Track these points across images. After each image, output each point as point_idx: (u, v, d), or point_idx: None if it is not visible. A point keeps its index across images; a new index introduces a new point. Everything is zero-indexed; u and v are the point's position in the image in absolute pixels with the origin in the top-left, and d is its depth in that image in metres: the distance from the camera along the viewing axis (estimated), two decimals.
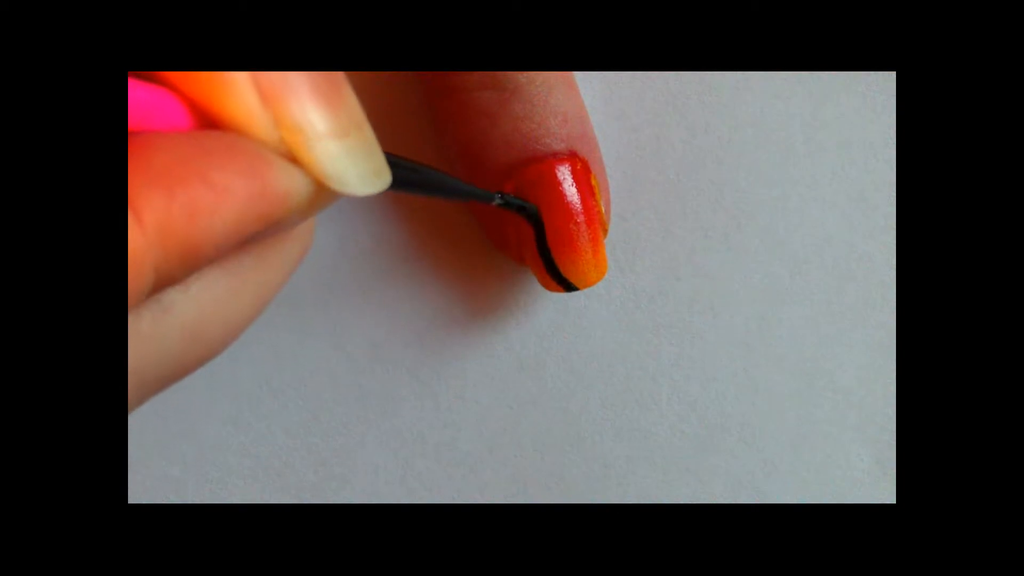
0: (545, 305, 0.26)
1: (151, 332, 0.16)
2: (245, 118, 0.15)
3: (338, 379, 0.26)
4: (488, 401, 0.26)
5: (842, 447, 0.26)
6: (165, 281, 0.15)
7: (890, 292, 0.25)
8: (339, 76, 0.16)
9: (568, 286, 0.23)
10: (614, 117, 0.25)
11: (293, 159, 0.15)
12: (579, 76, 0.24)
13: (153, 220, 0.14)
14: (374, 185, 0.16)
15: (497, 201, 0.22)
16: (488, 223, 0.24)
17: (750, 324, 0.25)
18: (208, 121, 0.15)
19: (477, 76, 0.22)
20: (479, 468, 0.26)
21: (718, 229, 0.25)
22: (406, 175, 0.19)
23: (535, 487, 0.26)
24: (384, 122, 0.25)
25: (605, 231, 0.23)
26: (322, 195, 0.16)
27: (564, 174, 0.23)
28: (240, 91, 0.15)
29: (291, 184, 0.15)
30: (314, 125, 0.15)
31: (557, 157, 0.23)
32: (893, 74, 0.25)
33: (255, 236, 0.16)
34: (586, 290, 0.25)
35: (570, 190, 0.23)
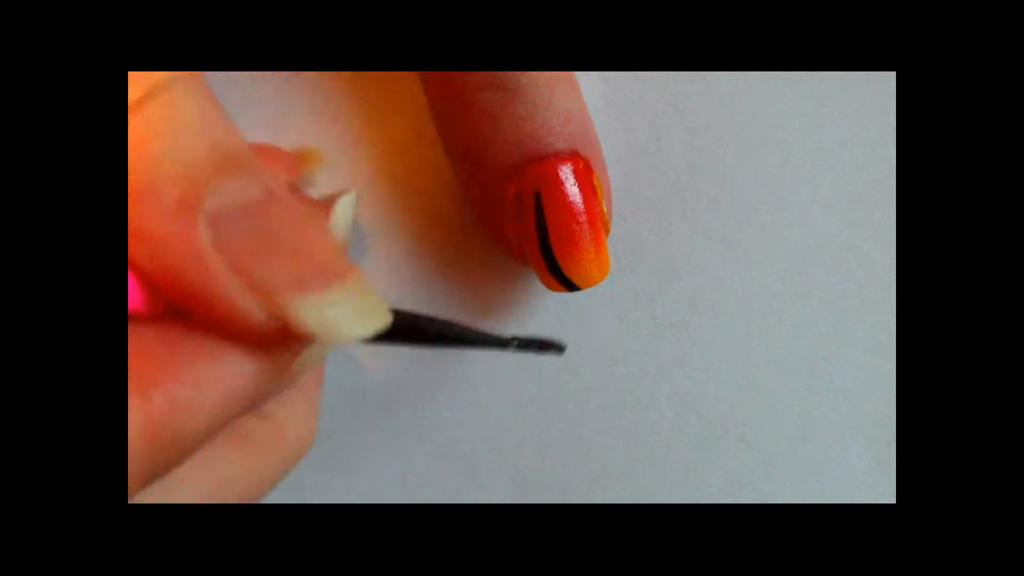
0: (545, 305, 0.26)
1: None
2: (217, 287, 0.14)
3: (338, 379, 0.26)
4: (488, 401, 0.26)
5: (842, 447, 0.26)
6: (150, 473, 0.14)
7: (890, 292, 0.25)
8: (313, 223, 0.15)
9: (570, 286, 0.23)
10: (614, 117, 0.25)
11: (277, 321, 0.15)
12: (579, 76, 0.24)
13: (135, 416, 0.14)
14: (370, 326, 0.16)
15: (514, 348, 0.21)
16: (489, 222, 0.24)
17: (750, 324, 0.25)
18: (164, 296, 0.15)
19: (479, 76, 0.22)
20: (479, 468, 0.26)
21: (718, 229, 0.25)
22: (407, 324, 0.18)
23: (535, 487, 0.26)
24: (385, 123, 0.25)
25: (607, 230, 0.23)
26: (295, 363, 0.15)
27: (566, 174, 0.23)
28: (208, 262, 0.14)
29: (250, 367, 0.15)
30: (288, 283, 0.15)
31: (559, 157, 0.23)
32: (893, 74, 0.25)
33: (242, 412, 0.15)
34: (587, 290, 0.25)
35: (572, 190, 0.23)
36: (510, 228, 0.23)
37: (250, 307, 0.15)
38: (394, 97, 0.25)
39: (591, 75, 0.25)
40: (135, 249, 0.14)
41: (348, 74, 0.25)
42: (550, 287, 0.23)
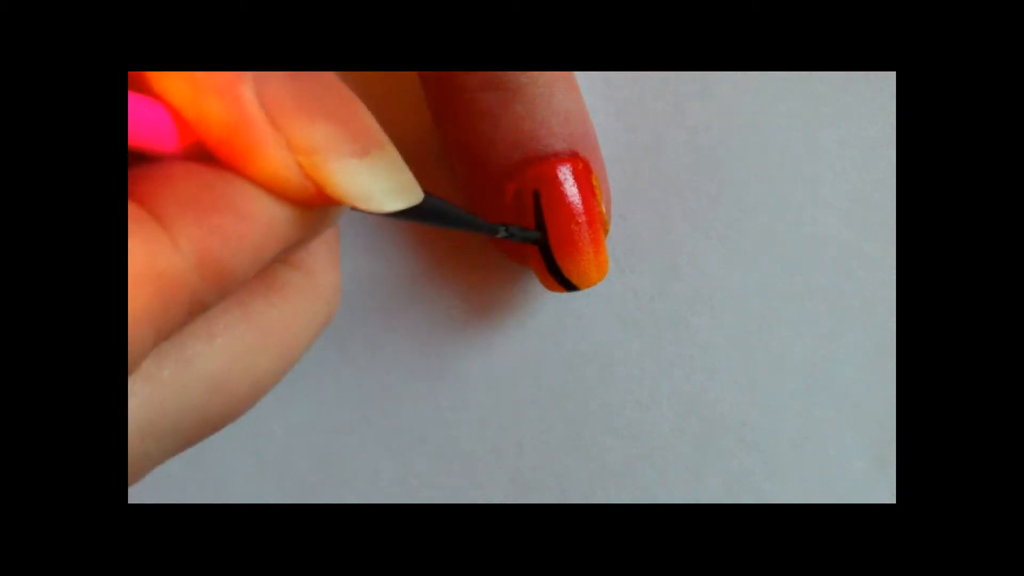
0: (545, 305, 0.26)
1: (172, 381, 0.16)
2: (258, 143, 0.15)
3: (338, 379, 0.26)
4: (488, 401, 0.26)
5: (842, 447, 0.26)
6: (199, 307, 0.14)
7: (890, 292, 0.25)
8: (353, 97, 0.16)
9: (569, 286, 0.23)
10: (614, 117, 0.25)
11: (312, 182, 0.15)
12: (579, 76, 0.24)
13: (188, 244, 0.14)
14: (402, 201, 0.16)
15: (501, 234, 0.22)
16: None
17: (750, 324, 0.25)
18: (199, 141, 0.15)
19: (479, 76, 0.22)
20: (479, 468, 0.26)
21: (718, 229, 0.25)
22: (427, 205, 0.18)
23: (535, 487, 0.26)
24: (385, 123, 0.25)
25: (606, 231, 0.23)
26: (319, 215, 0.16)
27: (566, 174, 0.23)
28: (251, 117, 0.15)
29: (279, 212, 0.15)
30: (329, 145, 0.15)
31: (559, 157, 0.23)
32: (893, 74, 0.25)
33: (277, 256, 0.15)
34: (586, 290, 0.25)
35: (571, 190, 0.23)
36: None
37: (287, 165, 0.15)
38: (394, 97, 0.25)
39: (591, 75, 0.25)
40: (182, 91, 0.14)
41: (348, 74, 0.25)
42: (549, 287, 0.23)
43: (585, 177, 0.23)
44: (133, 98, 0.14)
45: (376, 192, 0.15)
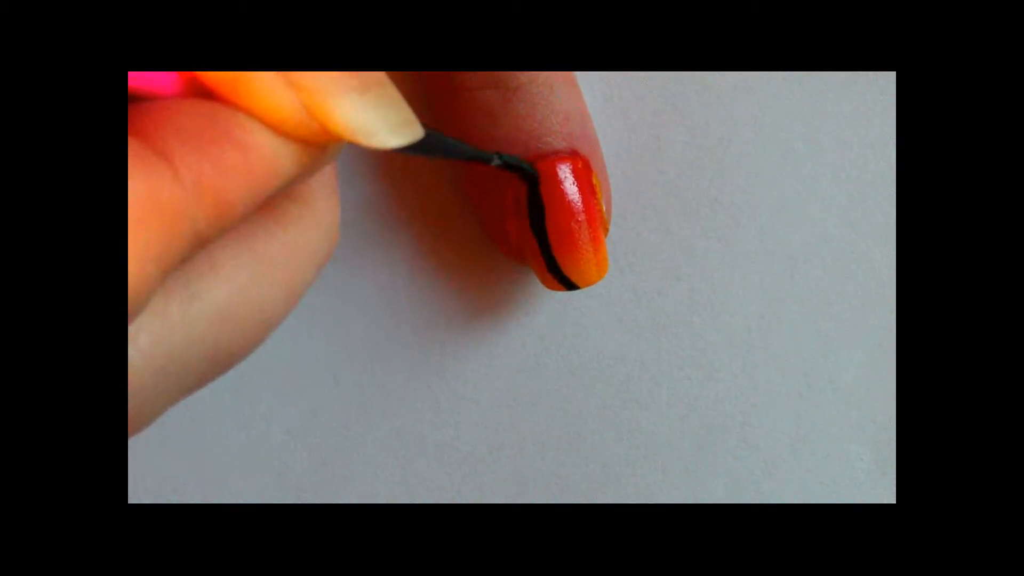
0: (545, 305, 0.26)
1: (179, 316, 0.16)
2: (260, 84, 0.15)
3: (338, 379, 0.26)
4: (488, 401, 0.26)
5: (842, 447, 0.26)
6: (200, 240, 0.15)
7: (890, 292, 0.25)
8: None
9: (569, 285, 0.23)
10: (614, 117, 0.25)
11: (315, 121, 0.15)
12: (580, 76, 0.24)
13: (190, 176, 0.14)
14: (405, 136, 0.16)
15: (496, 162, 0.21)
16: (488, 221, 0.24)
17: (750, 324, 0.25)
18: (200, 86, 0.15)
19: (479, 75, 0.22)
20: (479, 468, 0.26)
21: (718, 229, 0.25)
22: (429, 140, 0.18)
23: (535, 487, 0.26)
24: None
25: (606, 230, 0.23)
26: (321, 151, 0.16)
27: (565, 173, 0.23)
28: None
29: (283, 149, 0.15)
30: (330, 81, 0.15)
31: (558, 156, 0.23)
32: (893, 74, 0.25)
33: (278, 189, 0.16)
34: (586, 289, 0.25)
35: (571, 189, 0.23)
36: (509, 227, 0.23)
37: (289, 101, 0.15)
38: None
39: (591, 75, 0.25)
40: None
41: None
42: (549, 286, 0.23)
43: (585, 176, 0.23)
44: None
45: (379, 127, 0.16)
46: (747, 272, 0.25)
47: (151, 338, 0.15)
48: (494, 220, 0.24)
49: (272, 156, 0.15)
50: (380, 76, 0.16)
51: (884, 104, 0.25)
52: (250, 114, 0.15)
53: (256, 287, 0.17)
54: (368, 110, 0.15)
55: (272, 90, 0.15)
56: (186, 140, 0.14)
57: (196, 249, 0.15)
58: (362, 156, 0.25)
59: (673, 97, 0.25)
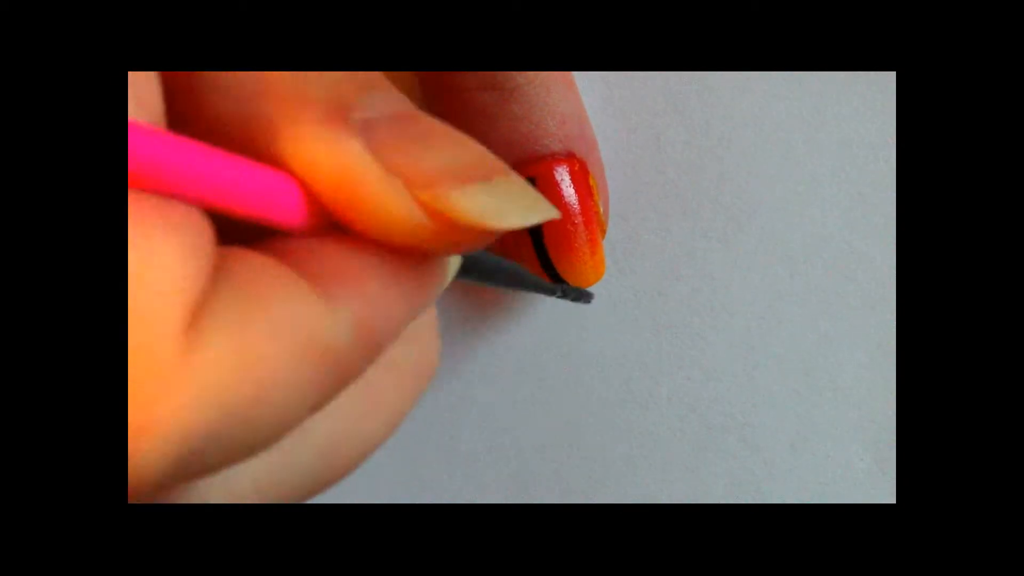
0: (545, 305, 0.26)
1: (288, 449, 0.16)
2: (374, 193, 0.14)
3: None
4: (488, 401, 0.26)
5: (842, 447, 0.26)
6: (353, 376, 0.14)
7: (890, 292, 0.25)
8: (459, 132, 0.15)
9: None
10: (614, 117, 0.25)
11: (438, 217, 0.14)
12: (579, 76, 0.24)
13: (348, 315, 0.14)
14: (535, 216, 0.15)
15: (558, 295, 0.22)
16: None
17: (750, 324, 0.25)
18: (325, 210, 0.15)
19: (475, 76, 0.22)
20: (479, 468, 0.26)
21: (718, 229, 0.25)
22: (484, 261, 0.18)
23: (535, 487, 0.26)
24: None
25: (603, 232, 0.23)
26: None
27: (562, 175, 0.23)
28: (361, 161, 0.14)
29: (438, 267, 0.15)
30: (450, 172, 0.14)
31: (555, 158, 0.23)
32: (893, 74, 0.25)
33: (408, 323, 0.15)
34: None
35: (568, 191, 0.23)
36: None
37: (407, 206, 0.14)
38: None
39: (591, 75, 0.25)
40: (295, 167, 0.14)
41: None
42: None
43: (582, 178, 0.23)
44: (264, 172, 0.14)
45: (506, 208, 0.15)
46: (747, 272, 0.25)
47: (256, 463, 0.15)
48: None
49: (413, 287, 0.15)
50: (502, 165, 0.15)
51: (884, 104, 0.25)
52: (376, 231, 0.14)
53: (361, 422, 0.17)
54: (491, 195, 0.15)
55: (390, 196, 0.14)
56: (338, 274, 0.14)
57: (347, 384, 0.15)
58: None
59: (673, 97, 0.25)
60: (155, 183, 0.13)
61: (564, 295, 0.22)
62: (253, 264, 0.14)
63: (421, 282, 0.15)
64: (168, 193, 0.13)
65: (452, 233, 0.14)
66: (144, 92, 0.14)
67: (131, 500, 0.13)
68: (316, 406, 0.14)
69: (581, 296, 0.23)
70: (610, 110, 0.25)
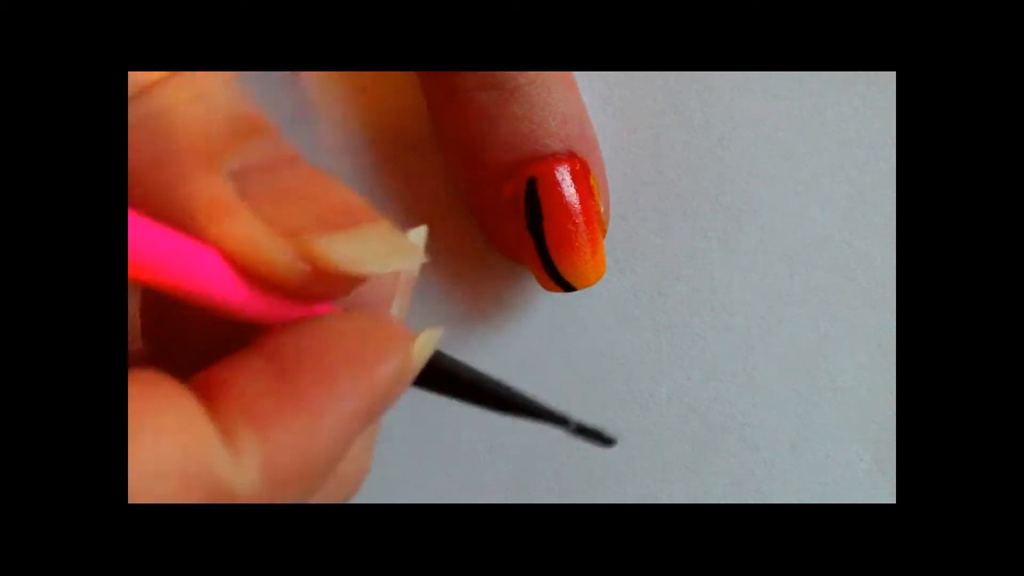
0: (545, 305, 0.26)
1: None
2: (243, 232, 0.15)
3: None
4: None
5: (842, 447, 0.26)
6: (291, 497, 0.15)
7: (890, 292, 0.25)
8: (333, 180, 0.16)
9: (566, 286, 0.23)
10: (614, 117, 0.25)
11: (306, 263, 0.15)
12: (579, 76, 0.24)
13: (253, 463, 0.14)
14: (398, 262, 0.16)
15: (572, 429, 0.21)
16: (486, 222, 0.24)
17: (750, 324, 0.25)
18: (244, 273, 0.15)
19: (476, 76, 0.22)
20: (479, 468, 0.26)
21: (718, 229, 0.25)
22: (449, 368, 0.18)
23: (535, 487, 0.26)
24: (384, 122, 0.25)
25: (604, 231, 0.23)
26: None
27: (563, 175, 0.23)
28: (232, 208, 0.15)
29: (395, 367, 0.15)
30: (315, 225, 0.15)
31: (556, 158, 0.23)
32: (893, 74, 0.25)
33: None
34: (586, 290, 0.25)
35: (569, 190, 0.23)
36: (507, 228, 0.23)
37: (277, 250, 0.15)
38: (393, 97, 0.25)
39: (591, 75, 0.25)
40: (172, 210, 0.15)
41: (346, 74, 0.25)
42: (547, 287, 0.23)
43: (582, 177, 0.23)
44: (191, 247, 0.14)
45: (367, 256, 0.15)
46: (747, 272, 0.25)
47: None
48: (491, 221, 0.24)
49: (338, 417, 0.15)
50: (368, 214, 0.16)
51: (884, 104, 0.25)
52: (249, 272, 0.15)
53: (362, 454, 0.18)
54: (353, 243, 0.15)
55: (260, 241, 0.15)
56: (246, 416, 0.14)
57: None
58: (359, 157, 0.25)
59: (673, 97, 0.25)
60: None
61: (578, 430, 0.21)
62: (153, 391, 0.14)
63: (345, 414, 0.15)
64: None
65: (324, 277, 0.15)
66: None
67: None
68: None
69: (599, 436, 0.21)
70: (610, 110, 0.25)
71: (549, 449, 0.26)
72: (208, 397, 0.14)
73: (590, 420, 0.26)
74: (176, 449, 0.14)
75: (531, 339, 0.26)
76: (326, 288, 0.16)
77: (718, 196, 0.25)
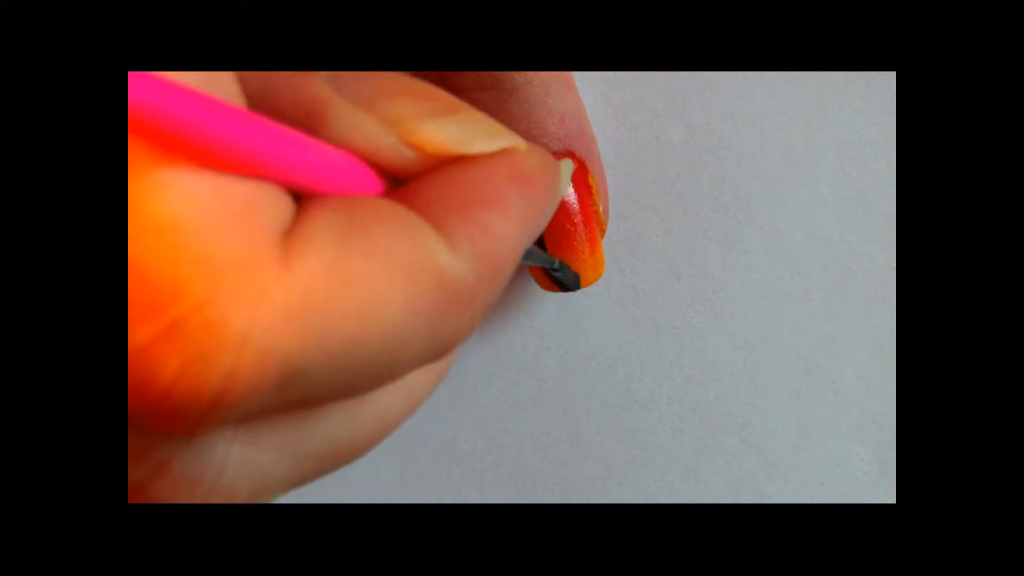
0: (545, 305, 0.26)
1: (350, 414, 0.16)
2: (361, 137, 0.15)
3: None
4: (488, 401, 0.26)
5: (842, 447, 0.26)
6: (491, 302, 0.15)
7: (890, 292, 0.25)
8: (420, 80, 0.17)
9: (564, 286, 0.23)
10: (614, 117, 0.25)
11: (411, 149, 0.16)
12: (579, 76, 0.24)
13: (467, 251, 0.15)
14: (500, 142, 0.17)
15: (556, 265, 0.22)
16: None
17: (750, 324, 0.25)
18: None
19: (474, 76, 0.22)
20: (479, 468, 0.26)
21: (718, 229, 0.25)
22: None
23: (535, 487, 0.26)
24: None
25: (603, 231, 0.23)
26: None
27: None
28: (330, 102, 0.15)
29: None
30: (414, 112, 0.16)
31: (555, 157, 0.23)
32: (893, 74, 0.25)
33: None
34: (586, 290, 0.25)
35: (567, 190, 0.23)
36: None
37: (382, 135, 0.16)
38: None
39: (590, 75, 0.25)
40: (283, 112, 0.15)
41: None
42: (546, 288, 0.23)
43: (581, 177, 0.23)
44: (320, 146, 0.15)
45: (472, 135, 0.16)
46: (747, 272, 0.25)
47: (279, 437, 0.16)
48: None
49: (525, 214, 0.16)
50: (459, 103, 0.17)
51: (884, 104, 0.25)
52: (358, 152, 0.16)
53: (384, 396, 0.17)
54: (455, 125, 0.16)
55: (366, 129, 0.15)
56: (452, 207, 0.15)
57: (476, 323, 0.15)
58: None
59: (673, 97, 0.25)
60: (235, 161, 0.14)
61: (557, 271, 0.22)
62: (361, 200, 0.15)
63: (534, 204, 0.16)
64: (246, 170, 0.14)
65: (430, 161, 0.16)
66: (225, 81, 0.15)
67: (217, 421, 0.13)
68: (434, 342, 0.15)
69: (568, 278, 0.23)
70: (610, 110, 0.25)
71: (549, 449, 0.26)
72: (408, 203, 0.15)
73: (590, 420, 0.26)
74: (404, 243, 0.14)
75: (531, 339, 0.26)
76: (429, 164, 0.16)
77: (718, 196, 0.25)
